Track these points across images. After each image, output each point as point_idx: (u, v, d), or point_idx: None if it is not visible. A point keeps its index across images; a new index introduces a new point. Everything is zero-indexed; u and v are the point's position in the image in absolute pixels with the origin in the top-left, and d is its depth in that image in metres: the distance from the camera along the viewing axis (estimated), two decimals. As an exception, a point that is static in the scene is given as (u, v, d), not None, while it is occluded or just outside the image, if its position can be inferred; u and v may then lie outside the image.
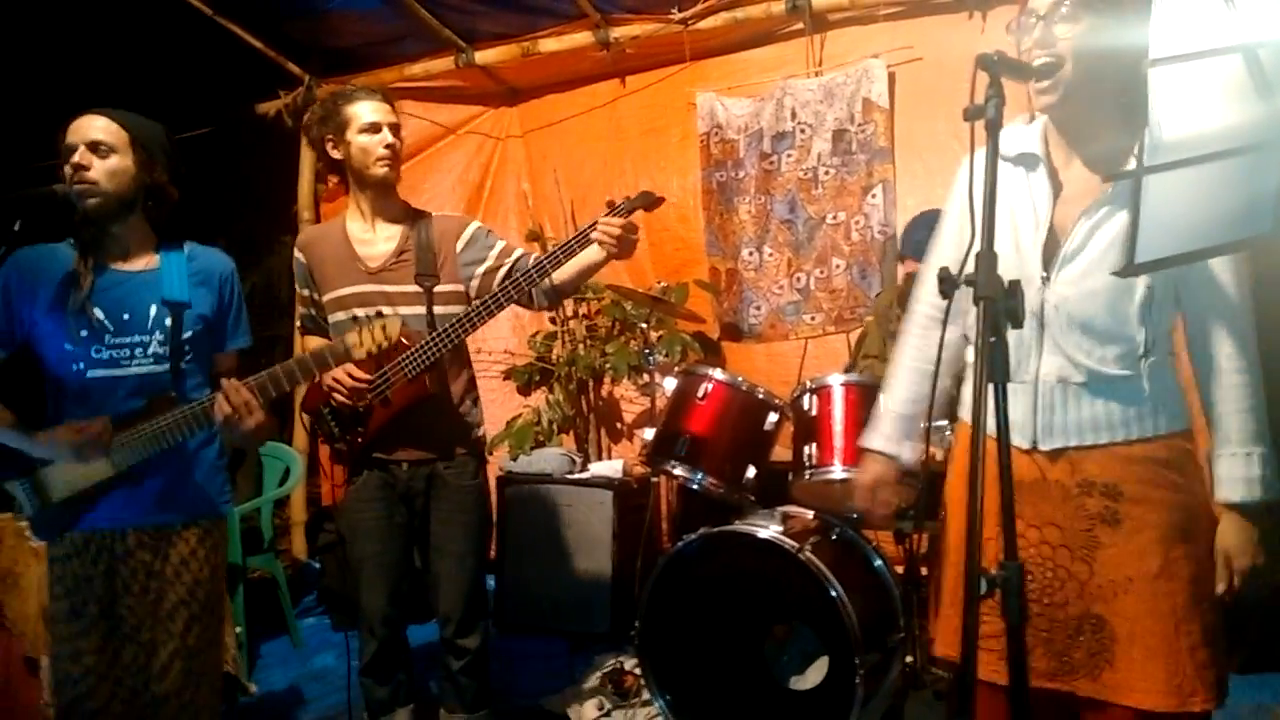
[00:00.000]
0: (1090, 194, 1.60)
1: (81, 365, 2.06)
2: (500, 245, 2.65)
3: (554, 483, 3.84)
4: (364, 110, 2.51)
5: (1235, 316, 1.60)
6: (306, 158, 4.95)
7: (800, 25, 4.10)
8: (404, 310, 2.50)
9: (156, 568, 2.10)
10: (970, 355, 1.81)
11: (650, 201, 2.52)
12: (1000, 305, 1.29)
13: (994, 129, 1.41)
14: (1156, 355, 1.61)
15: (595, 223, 2.41)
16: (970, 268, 1.32)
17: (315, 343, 2.65)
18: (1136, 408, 1.61)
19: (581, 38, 4.33)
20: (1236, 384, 1.60)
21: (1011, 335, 1.65)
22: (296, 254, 2.67)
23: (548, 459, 3.96)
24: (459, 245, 2.61)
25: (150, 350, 2.08)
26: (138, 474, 2.06)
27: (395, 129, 2.55)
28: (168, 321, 2.09)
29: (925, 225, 3.14)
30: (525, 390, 4.39)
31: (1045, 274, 1.63)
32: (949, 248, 1.84)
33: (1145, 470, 1.61)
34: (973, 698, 1.16)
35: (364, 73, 4.73)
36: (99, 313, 2.07)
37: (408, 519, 2.60)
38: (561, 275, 2.55)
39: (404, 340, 2.43)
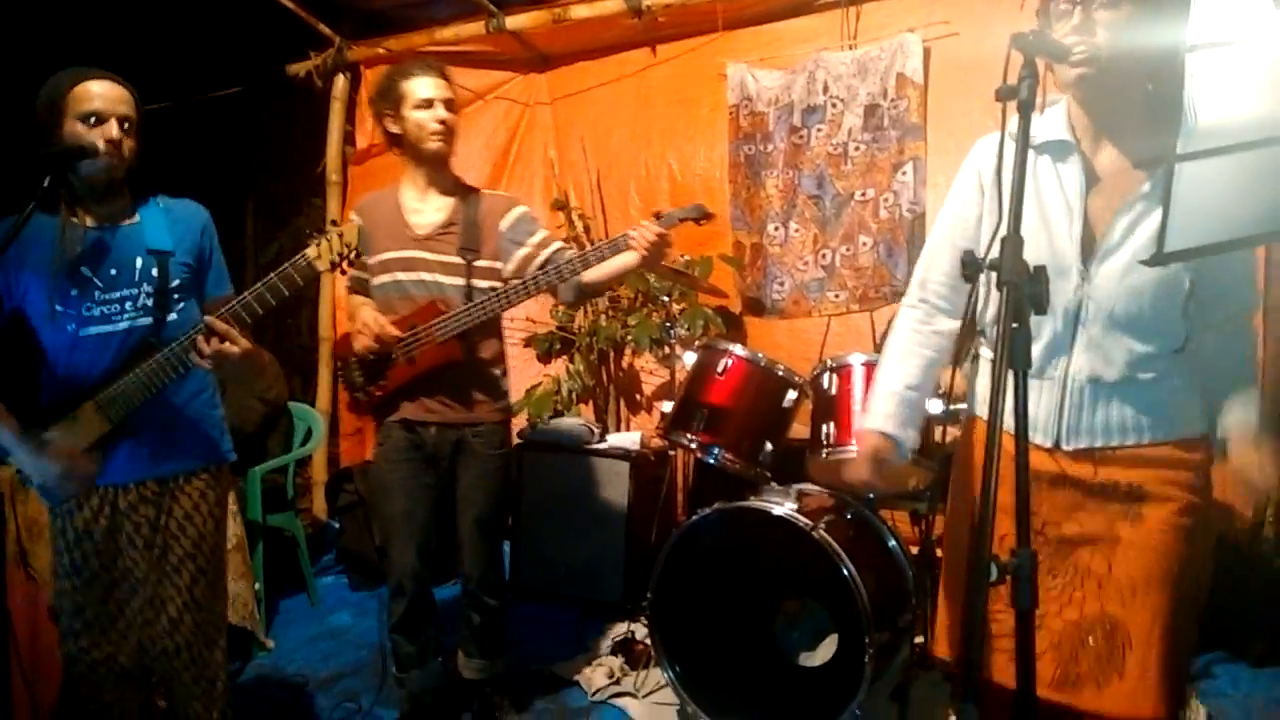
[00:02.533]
0: (1123, 184, 1.56)
1: (74, 325, 2.07)
2: (541, 234, 2.72)
3: (572, 452, 3.85)
4: (419, 86, 2.59)
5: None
6: (335, 119, 4.95)
7: (836, -3, 4.04)
8: (444, 279, 2.62)
9: (161, 522, 2.13)
10: (983, 347, 1.78)
11: (701, 214, 2.61)
12: (1024, 291, 1.28)
13: (1026, 110, 1.38)
14: (1190, 357, 1.58)
15: (635, 228, 2.47)
16: (995, 251, 1.30)
17: (359, 302, 2.76)
18: (1163, 410, 1.59)
19: (613, 4, 4.27)
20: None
21: (1043, 331, 1.65)
22: (354, 216, 2.75)
23: (566, 428, 3.97)
24: (503, 225, 2.69)
25: (140, 303, 2.09)
26: (134, 426, 2.08)
27: (449, 104, 2.63)
28: (154, 271, 2.10)
29: None
30: (545, 358, 4.39)
31: (1084, 269, 1.59)
32: (953, 229, 1.79)
33: (1167, 471, 1.59)
34: (977, 682, 1.16)
35: (394, 35, 4.71)
36: (86, 270, 2.08)
37: (435, 479, 2.69)
38: (592, 275, 2.62)
39: (439, 305, 2.56)
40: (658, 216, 2.50)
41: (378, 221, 2.69)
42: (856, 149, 4.00)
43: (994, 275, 1.53)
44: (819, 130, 4.06)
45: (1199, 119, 1.16)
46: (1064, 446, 1.63)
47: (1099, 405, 1.60)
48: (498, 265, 2.68)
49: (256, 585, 3.55)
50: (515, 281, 2.58)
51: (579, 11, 4.35)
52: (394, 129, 2.63)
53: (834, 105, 4.03)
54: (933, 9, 3.88)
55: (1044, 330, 1.64)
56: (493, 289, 2.60)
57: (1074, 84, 1.57)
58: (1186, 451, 1.60)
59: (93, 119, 2.01)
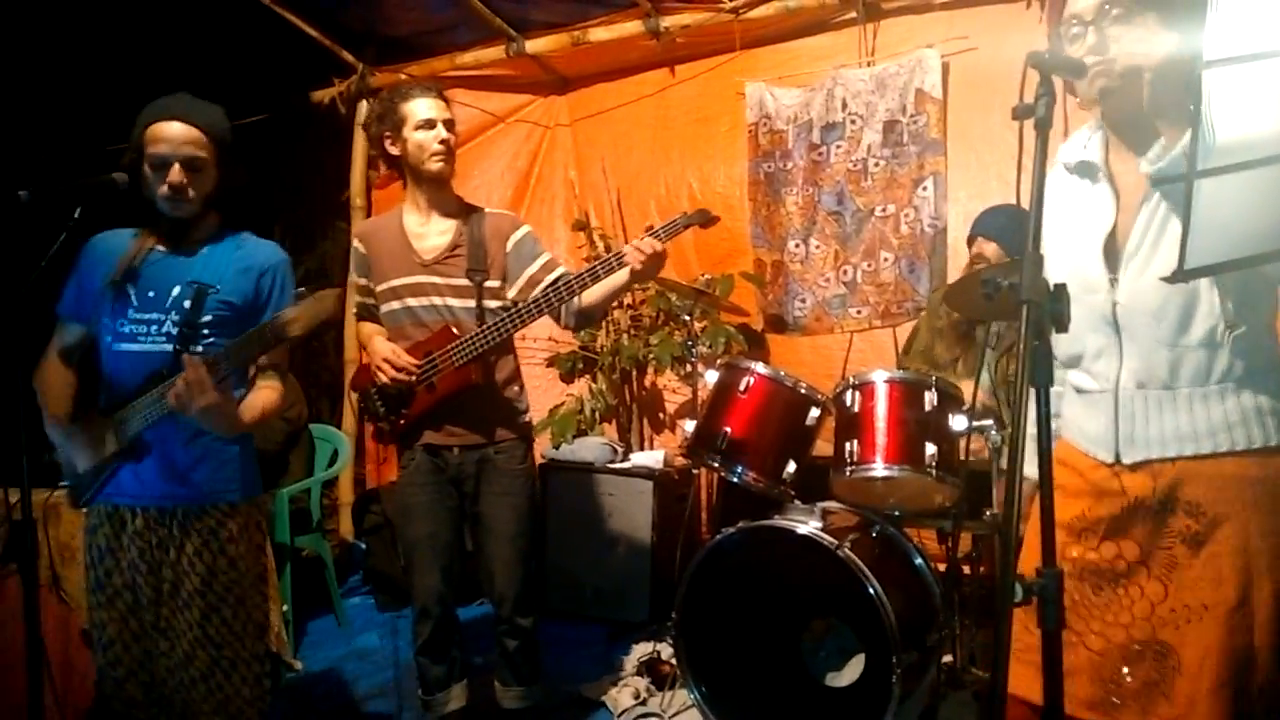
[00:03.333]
0: (1141, 190, 1.55)
1: (110, 338, 2.12)
2: (545, 258, 2.72)
3: (596, 471, 3.86)
4: (419, 107, 2.60)
5: None
6: (359, 145, 5.02)
7: (853, 14, 4.05)
8: (454, 302, 2.63)
9: (171, 556, 2.11)
10: (1083, 381, 1.70)
11: (703, 220, 2.59)
12: (1045, 309, 1.27)
13: (1043, 127, 1.38)
14: (1249, 352, 1.50)
15: (628, 245, 2.46)
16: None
17: (369, 329, 2.77)
18: (1225, 416, 1.51)
19: (632, 27, 4.33)
20: None
21: (1089, 345, 1.63)
22: (355, 244, 2.78)
23: (589, 448, 3.98)
24: (509, 245, 2.70)
25: (164, 329, 2.10)
26: (138, 450, 2.11)
27: (449, 124, 2.64)
28: (187, 302, 2.11)
29: (1004, 212, 3.09)
30: (568, 378, 4.41)
31: (1112, 276, 1.57)
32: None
33: (1235, 489, 1.50)
34: (1002, 708, 1.15)
35: (416, 61, 4.78)
36: (129, 288, 2.12)
37: (458, 502, 2.69)
38: (589, 297, 2.63)
39: (453, 330, 2.56)
40: (650, 231, 2.48)
41: (382, 248, 2.70)
42: (876, 165, 4.00)
43: (1114, 305, 1.54)
44: (838, 147, 4.07)
45: (1217, 135, 1.16)
46: (1124, 460, 1.58)
47: (1151, 413, 1.55)
48: (503, 285, 2.69)
49: (285, 608, 3.57)
50: (524, 303, 2.57)
51: (598, 34, 4.40)
52: (394, 151, 2.64)
53: (853, 122, 4.04)
54: (951, 24, 3.89)
55: (1090, 343, 1.61)
56: (503, 308, 2.62)
57: (1096, 101, 1.57)
58: (1260, 466, 1.51)
59: (162, 165, 2.07)
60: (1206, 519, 1.50)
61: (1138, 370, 1.56)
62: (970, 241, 3.16)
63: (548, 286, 2.60)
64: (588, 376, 4.40)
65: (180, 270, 2.16)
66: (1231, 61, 1.13)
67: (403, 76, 4.83)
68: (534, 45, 4.53)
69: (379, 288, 2.70)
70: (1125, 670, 1.54)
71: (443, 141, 2.60)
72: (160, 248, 2.18)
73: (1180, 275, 1.22)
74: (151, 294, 2.13)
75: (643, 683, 3.17)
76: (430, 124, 2.59)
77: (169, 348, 2.11)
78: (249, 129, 5.17)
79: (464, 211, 2.72)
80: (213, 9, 4.45)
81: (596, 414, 4.28)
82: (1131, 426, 1.57)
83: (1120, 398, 1.58)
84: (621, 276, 2.53)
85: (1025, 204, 1.34)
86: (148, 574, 2.12)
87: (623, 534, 3.76)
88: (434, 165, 2.60)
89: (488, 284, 2.64)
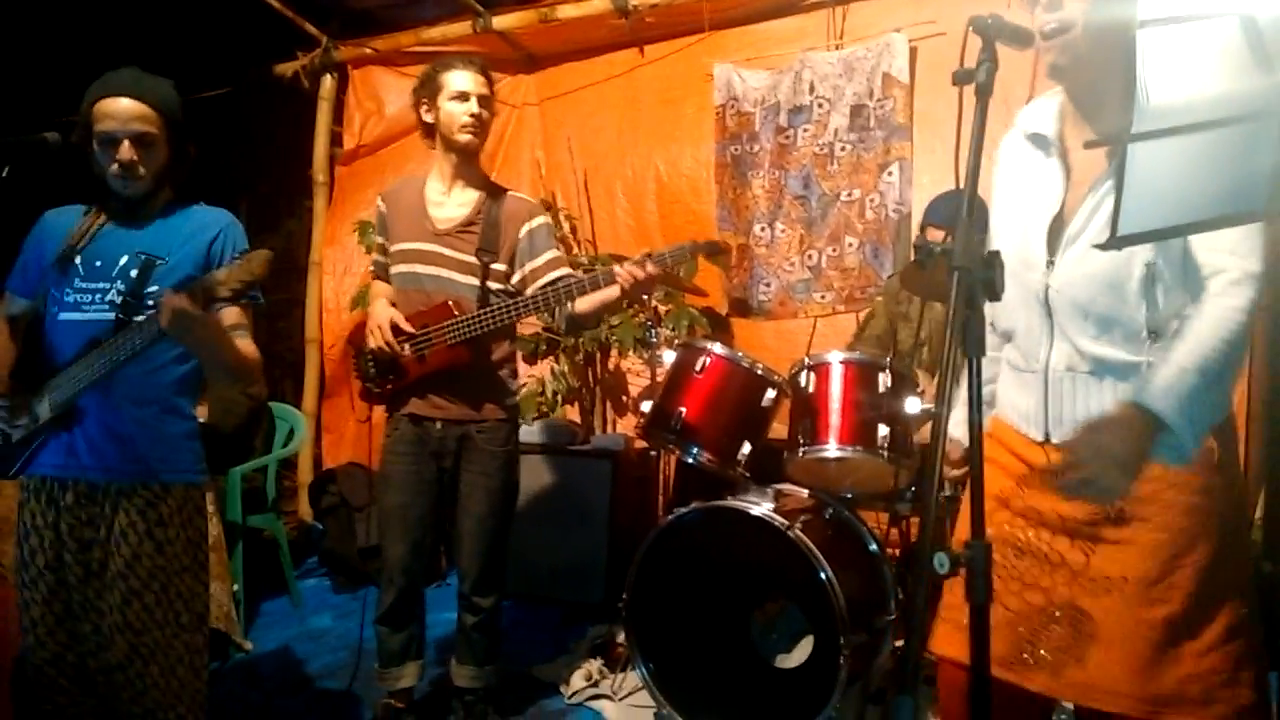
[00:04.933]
0: (1092, 172, 1.54)
1: (55, 309, 2.08)
2: (552, 255, 2.73)
3: (554, 452, 3.83)
4: (456, 79, 2.63)
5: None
6: (323, 119, 4.95)
7: (822, -3, 4.03)
8: (459, 278, 2.65)
9: (100, 534, 2.05)
10: (1004, 349, 1.74)
11: (712, 251, 2.61)
12: (977, 276, 1.25)
13: (984, 94, 1.36)
14: (1168, 340, 1.50)
15: (624, 265, 2.44)
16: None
17: (379, 290, 2.81)
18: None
19: (600, 4, 4.27)
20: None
21: (1022, 322, 1.62)
22: (379, 203, 2.82)
23: (550, 429, 3.95)
24: (523, 231, 2.70)
25: (108, 297, 2.05)
26: (70, 421, 2.05)
27: (484, 100, 2.66)
28: (133, 272, 2.06)
29: (954, 199, 3.07)
30: (531, 359, 4.36)
31: (1050, 258, 1.57)
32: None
33: (1158, 470, 1.50)
34: (916, 677, 1.13)
35: (381, 35, 4.71)
36: (76, 259, 2.08)
37: (437, 475, 2.70)
38: (581, 306, 2.64)
39: (452, 307, 2.58)
40: (649, 256, 2.44)
41: (400, 210, 2.74)
42: (843, 149, 3.98)
43: (1046, 287, 1.55)
44: (805, 130, 4.05)
45: (1151, 98, 1.13)
46: (1053, 439, 1.60)
47: (1079, 395, 1.56)
48: (509, 270, 2.70)
49: (235, 587, 3.52)
50: (522, 298, 2.59)
51: (566, 11, 4.34)
52: (428, 118, 2.67)
53: (820, 105, 4.01)
54: (919, 9, 3.87)
55: (1023, 320, 1.62)
56: (505, 292, 2.64)
57: (1051, 69, 1.55)
58: None
59: (111, 142, 2.02)
60: (1130, 498, 1.50)
61: (1068, 354, 1.57)
62: (922, 230, 3.14)
63: (546, 285, 2.63)
64: (550, 358, 4.35)
65: (129, 241, 2.12)
66: (1166, 22, 1.11)
67: (367, 51, 4.78)
68: (501, 21, 4.47)
69: (393, 248, 2.73)
70: (1041, 633, 1.56)
71: (473, 115, 2.62)
72: (111, 222, 2.13)
73: (1113, 243, 1.20)
74: (98, 264, 2.09)
75: (595, 664, 3.14)
76: (464, 96, 2.61)
77: (111, 316, 2.06)
78: (210, 103, 5.09)
79: (487, 188, 2.75)
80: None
81: (559, 396, 4.25)
82: (1060, 407, 1.59)
83: (1050, 378, 1.60)
84: (611, 292, 2.53)
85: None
86: (78, 552, 2.06)
87: (581, 516, 3.73)
88: (462, 136, 2.63)
89: (494, 266, 2.65)
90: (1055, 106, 1.65)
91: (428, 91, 2.66)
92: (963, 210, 1.27)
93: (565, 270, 2.70)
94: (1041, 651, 1.55)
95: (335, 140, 5.05)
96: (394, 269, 2.73)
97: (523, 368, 4.42)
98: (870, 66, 3.92)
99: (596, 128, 4.58)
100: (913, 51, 3.87)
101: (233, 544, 3.60)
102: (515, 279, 2.70)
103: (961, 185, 1.30)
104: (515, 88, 4.84)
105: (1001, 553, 1.61)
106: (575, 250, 4.44)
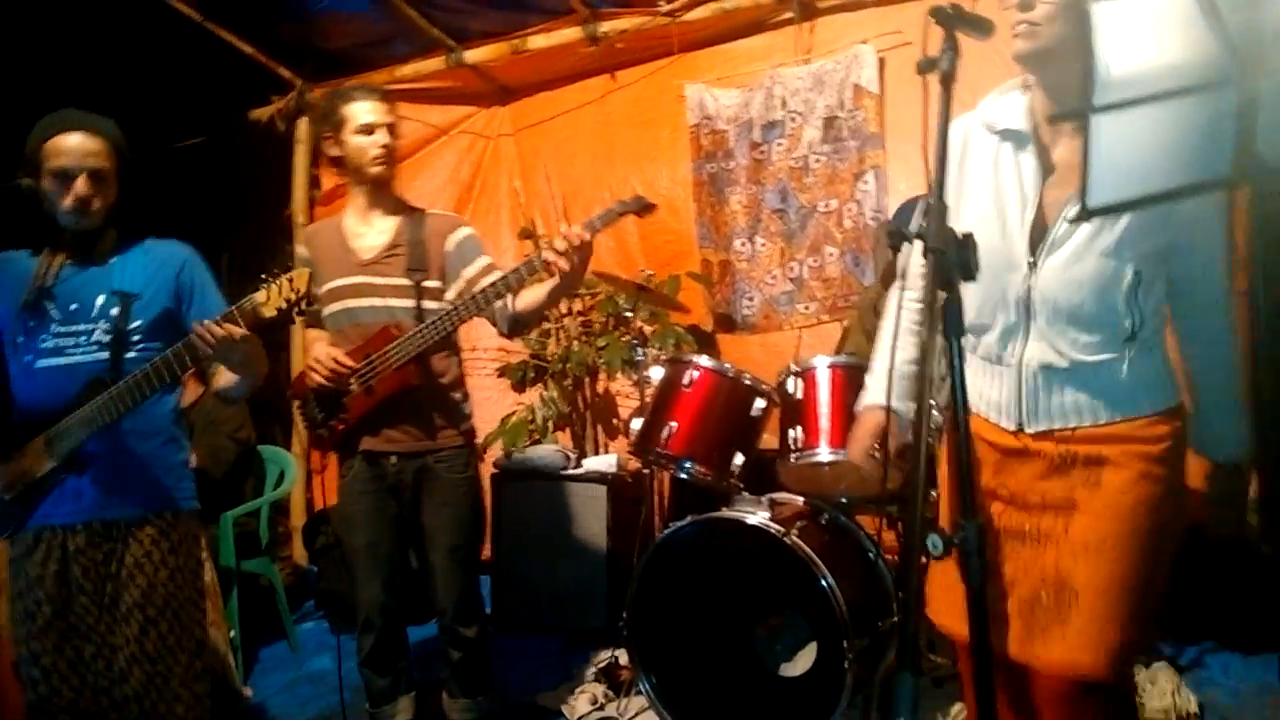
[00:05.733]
0: (1075, 174, 1.55)
1: (31, 357, 2.07)
2: (484, 262, 2.66)
3: (548, 478, 3.81)
4: (359, 110, 2.56)
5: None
6: (300, 161, 4.97)
7: (789, 14, 4.07)
8: (393, 302, 2.58)
9: (112, 569, 2.06)
10: (985, 352, 1.73)
11: (641, 206, 2.51)
12: (952, 258, 1.26)
13: (947, 81, 1.38)
14: (1144, 336, 1.57)
15: (548, 245, 2.38)
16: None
17: (314, 335, 2.73)
18: (1121, 391, 1.57)
19: (570, 33, 4.32)
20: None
21: (1000, 320, 1.64)
22: (299, 249, 2.75)
23: (542, 456, 3.93)
24: (448, 244, 2.64)
25: (94, 338, 2.07)
26: (81, 465, 2.05)
27: (390, 128, 2.60)
28: (114, 311, 2.09)
29: (913, 207, 3.09)
30: (519, 387, 4.36)
31: (1032, 259, 1.59)
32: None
33: (1128, 445, 1.57)
34: (915, 653, 1.12)
35: (355, 75, 4.73)
36: (48, 304, 2.08)
37: (397, 512, 2.62)
38: (522, 303, 2.57)
39: (392, 330, 2.51)
40: (570, 226, 2.39)
41: (323, 251, 2.65)
42: (817, 161, 4.01)
43: (1028, 289, 1.58)
44: (779, 145, 4.08)
45: (1112, 70, 1.15)
46: (1026, 430, 1.63)
47: (1054, 390, 1.60)
48: (444, 286, 2.64)
49: (232, 633, 3.48)
50: (462, 301, 2.50)
51: (537, 41, 4.39)
52: (334, 152, 2.61)
53: (793, 119, 4.05)
54: (884, 20, 3.92)
55: (999, 319, 1.64)
56: (442, 309, 2.54)
57: (1018, 56, 1.56)
58: (1148, 427, 1.58)
59: (66, 177, 2.03)
60: (1105, 467, 1.57)
61: (1045, 353, 1.61)
62: (891, 243, 3.15)
63: (485, 288, 2.55)
64: (539, 385, 4.35)
65: (99, 281, 2.14)
66: (1120, -6, 1.13)
67: (342, 91, 4.80)
68: (473, 55, 4.51)
69: (321, 290, 2.63)
70: (1036, 606, 1.59)
71: (382, 146, 2.56)
72: (69, 262, 2.13)
73: (1084, 214, 1.22)
74: (74, 307, 2.10)
75: (600, 688, 3.11)
76: (369, 129, 2.55)
77: (104, 356, 2.07)
78: (186, 153, 5.10)
79: (404, 211, 2.68)
80: (145, 30, 4.36)
81: (549, 422, 4.23)
82: (1035, 401, 1.62)
83: (1024, 374, 1.63)
84: (548, 282, 2.48)
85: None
86: (93, 592, 2.07)
87: (578, 540, 3.70)
88: (373, 169, 2.57)
89: (426, 283, 2.59)
90: (1024, 101, 1.65)
91: (330, 126, 2.59)
92: (934, 195, 1.28)
93: (499, 273, 2.61)
94: (1038, 624, 1.58)
95: (313, 182, 5.06)
96: (326, 311, 2.64)
97: (511, 395, 4.42)
98: (840, 79, 3.96)
99: (573, 154, 4.61)
100: (881, 62, 3.91)
101: (228, 590, 3.56)
102: (451, 293, 2.62)
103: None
104: (490, 120, 4.88)
105: (1002, 539, 1.64)
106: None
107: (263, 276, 1.99)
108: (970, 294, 1.67)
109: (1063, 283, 1.56)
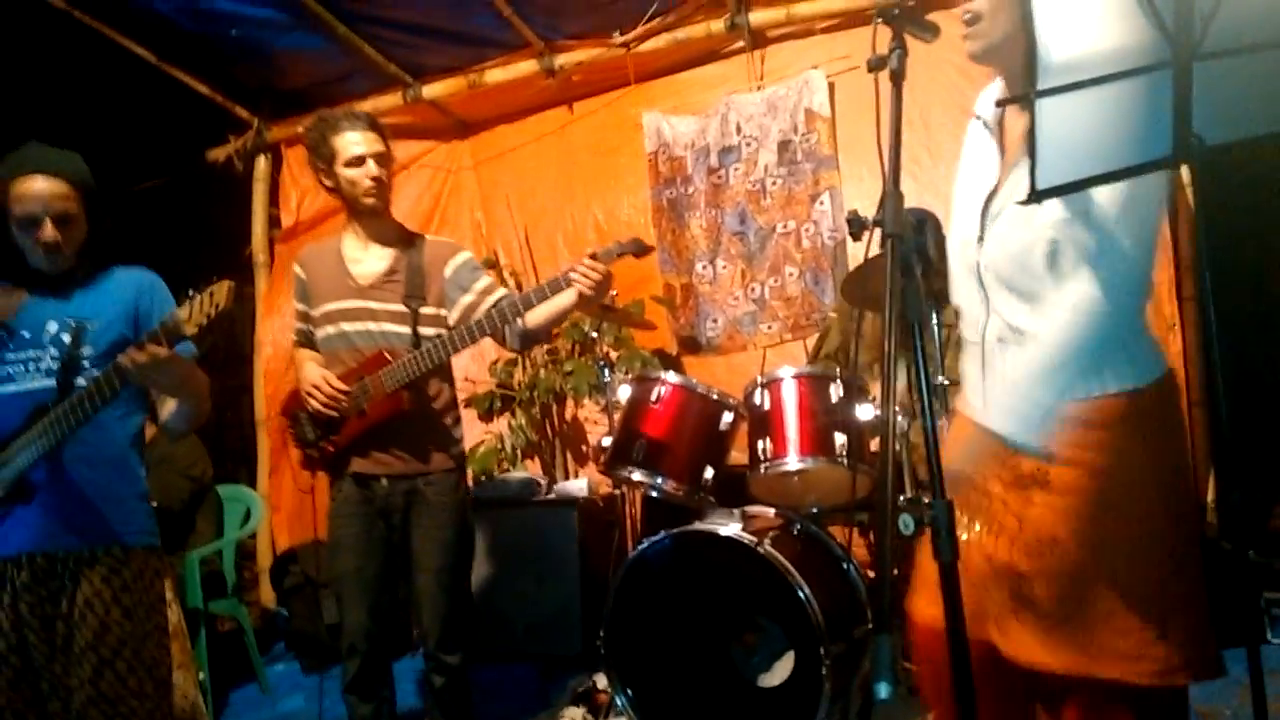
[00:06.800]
0: (1019, 149, 1.61)
1: None
2: (484, 282, 2.71)
3: (518, 505, 3.80)
4: (349, 143, 2.59)
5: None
6: (259, 199, 4.95)
7: (740, 43, 4.17)
8: (390, 328, 2.61)
9: (63, 609, 1.99)
10: (966, 330, 1.75)
11: (639, 248, 2.59)
12: (909, 242, 1.30)
13: (898, 78, 1.44)
14: (1082, 312, 1.54)
15: (573, 267, 2.44)
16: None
17: (305, 356, 2.73)
18: (1063, 367, 1.55)
19: (527, 66, 4.38)
20: None
21: (964, 297, 1.68)
22: (296, 269, 2.76)
23: (511, 484, 3.92)
24: (447, 271, 2.68)
25: (43, 365, 2.04)
26: (26, 494, 2.00)
27: (381, 158, 2.63)
28: (65, 337, 2.06)
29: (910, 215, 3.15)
30: (487, 417, 4.36)
31: (980, 234, 1.64)
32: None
33: (1073, 432, 1.55)
34: (891, 614, 1.14)
35: (313, 113, 4.73)
36: (2, 334, 2.06)
37: (386, 535, 2.62)
38: (533, 319, 2.61)
39: (386, 355, 2.54)
40: (594, 257, 2.47)
41: (320, 273, 2.68)
42: (774, 184, 4.09)
43: (978, 263, 1.61)
44: (736, 169, 4.16)
45: (1053, 55, 1.20)
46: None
47: (1009, 363, 1.61)
48: (443, 312, 2.67)
49: (201, 675, 3.39)
50: (465, 325, 2.54)
51: (494, 75, 4.44)
52: (328, 183, 2.64)
53: (748, 144, 4.14)
54: (833, 45, 4.03)
55: (966, 297, 1.68)
56: (439, 336, 2.56)
57: (972, 56, 1.63)
58: (1099, 410, 1.56)
59: (32, 222, 2.02)
60: (1052, 459, 1.55)
61: (998, 326, 1.63)
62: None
63: (490, 309, 2.59)
64: (507, 414, 4.34)
65: (55, 309, 2.11)
66: (1056, -18, 1.18)
67: (299, 129, 4.79)
68: (431, 90, 4.55)
69: (316, 312, 2.67)
70: (988, 590, 1.59)
71: (374, 178, 2.59)
72: (31, 296, 2.12)
73: (1034, 196, 1.26)
74: (27, 334, 2.08)
75: (579, 712, 3.07)
76: (360, 160, 2.58)
77: (51, 383, 2.04)
78: (145, 195, 5.07)
79: (403, 238, 2.72)
80: (99, 72, 4.36)
81: (518, 450, 4.23)
82: (994, 375, 1.63)
83: (985, 349, 1.65)
84: (567, 298, 2.51)
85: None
86: (40, 629, 2.00)
87: (551, 567, 3.69)
88: (366, 201, 2.60)
89: (424, 310, 2.62)
90: (996, 89, 1.73)
91: (321, 158, 2.61)
92: (889, 183, 1.33)
93: (502, 292, 2.68)
94: (991, 608, 1.58)
95: (273, 221, 5.04)
96: (320, 332, 2.66)
97: (479, 425, 4.41)
98: (792, 103, 4.06)
99: (533, 184, 4.66)
100: (831, 86, 4.01)
101: (195, 631, 3.49)
102: (453, 317, 2.66)
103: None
104: (450, 153, 4.91)
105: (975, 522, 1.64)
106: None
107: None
108: (953, 279, 1.73)
109: (999, 251, 1.60)
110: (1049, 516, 1.55)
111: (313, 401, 2.56)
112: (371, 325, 2.60)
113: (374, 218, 2.66)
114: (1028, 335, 1.58)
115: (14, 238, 2.05)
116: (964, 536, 1.63)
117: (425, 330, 2.60)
